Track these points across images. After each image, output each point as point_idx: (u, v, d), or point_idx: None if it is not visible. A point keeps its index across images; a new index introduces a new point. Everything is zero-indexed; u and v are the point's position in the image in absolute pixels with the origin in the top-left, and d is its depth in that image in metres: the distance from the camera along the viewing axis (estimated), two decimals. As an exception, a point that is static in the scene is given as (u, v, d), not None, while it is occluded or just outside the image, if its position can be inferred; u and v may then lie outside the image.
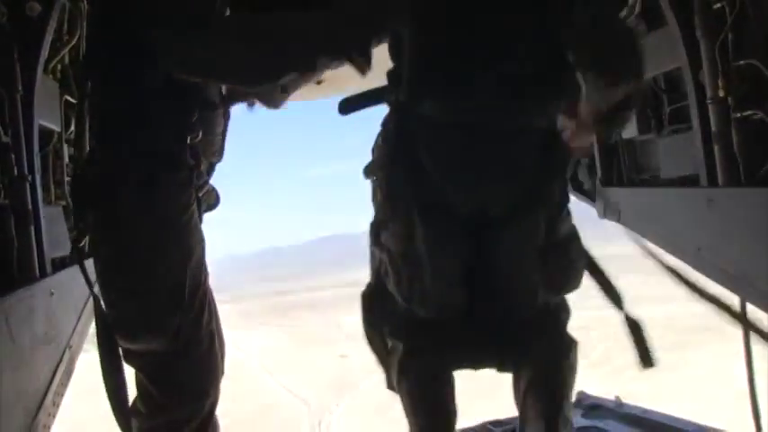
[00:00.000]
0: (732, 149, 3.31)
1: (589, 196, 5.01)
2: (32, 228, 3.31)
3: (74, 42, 4.07)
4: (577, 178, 5.15)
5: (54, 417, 3.12)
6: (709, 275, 3.49)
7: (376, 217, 3.04)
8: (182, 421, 2.75)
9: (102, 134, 2.68)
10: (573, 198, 5.05)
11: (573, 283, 2.99)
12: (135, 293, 2.60)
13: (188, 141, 2.62)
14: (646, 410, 5.02)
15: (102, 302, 2.72)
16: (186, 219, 2.63)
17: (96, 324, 2.71)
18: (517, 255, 2.87)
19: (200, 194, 2.77)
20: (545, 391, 2.95)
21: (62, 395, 3.21)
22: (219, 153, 2.99)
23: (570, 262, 2.96)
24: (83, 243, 2.98)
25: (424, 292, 2.86)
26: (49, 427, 3.07)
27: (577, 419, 4.99)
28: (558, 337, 3.06)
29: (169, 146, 2.58)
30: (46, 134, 3.72)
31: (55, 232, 3.44)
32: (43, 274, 3.28)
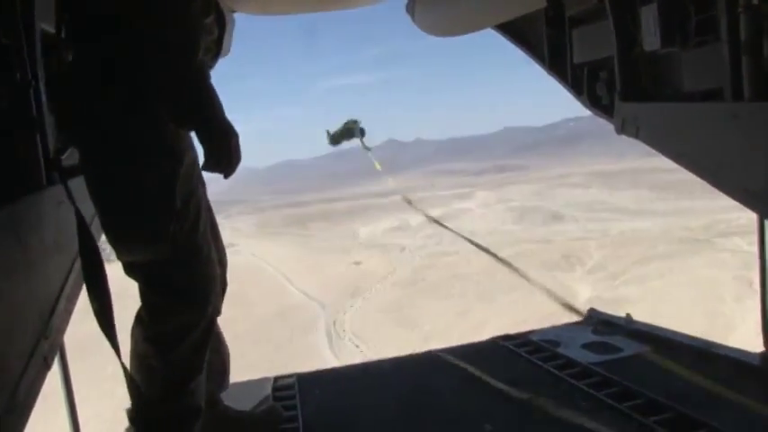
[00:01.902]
0: (761, 61, 3.06)
1: (606, 111, 4.76)
2: (38, 135, 3.11)
3: None
4: (595, 92, 4.89)
5: (67, 321, 3.05)
6: (727, 192, 3.34)
7: None
8: (185, 327, 2.67)
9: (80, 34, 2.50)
10: (589, 113, 5.02)
11: None
12: (126, 205, 2.48)
13: None
14: (654, 327, 4.91)
15: (86, 219, 2.59)
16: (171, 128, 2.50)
17: (79, 239, 2.57)
18: None
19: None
20: None
21: (74, 301, 3.13)
22: (215, 58, 2.83)
23: None
24: (65, 156, 2.82)
25: None
26: (63, 331, 3.00)
27: (587, 335, 4.98)
28: None
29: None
30: (49, 38, 3.43)
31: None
32: (51, 183, 3.08)
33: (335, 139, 5.90)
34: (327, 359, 36.58)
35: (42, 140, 3.11)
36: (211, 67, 2.77)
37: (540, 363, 4.49)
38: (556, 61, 5.34)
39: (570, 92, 5.24)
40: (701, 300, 34.90)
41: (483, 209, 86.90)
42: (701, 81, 3.55)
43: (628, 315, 5.13)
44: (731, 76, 3.17)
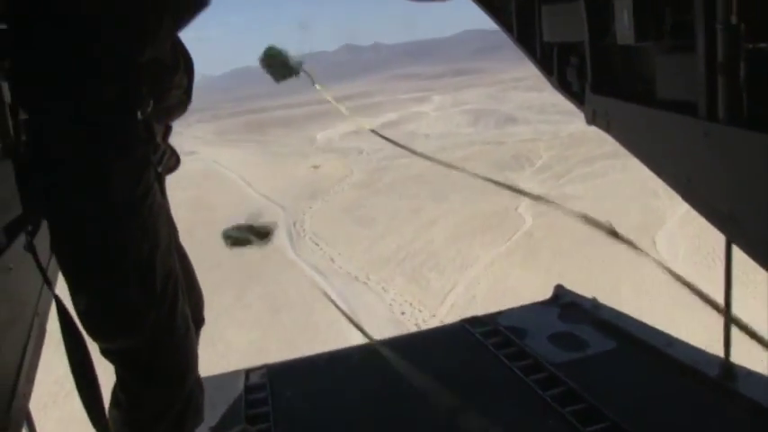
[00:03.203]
0: (738, 83, 2.83)
1: (576, 98, 4.53)
2: None
3: None
4: (565, 77, 4.63)
5: (32, 384, 2.80)
6: (696, 208, 3.19)
7: None
8: (162, 410, 2.53)
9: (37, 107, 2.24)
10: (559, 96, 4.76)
11: None
12: (102, 293, 2.28)
13: (138, 118, 2.22)
14: (620, 315, 4.81)
15: (64, 303, 2.41)
16: (149, 203, 2.28)
17: (60, 323, 2.39)
18: None
19: (160, 169, 2.41)
20: None
21: (36, 366, 2.88)
22: (182, 111, 2.64)
23: None
24: (35, 232, 2.52)
25: None
26: (29, 396, 2.73)
27: (554, 320, 4.85)
28: None
29: (116, 130, 2.17)
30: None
31: (3, 192, 2.72)
32: None
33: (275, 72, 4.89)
34: (289, 258, 38.05)
35: None
36: (179, 116, 2.59)
37: (503, 359, 4.46)
38: (524, 35, 5.06)
39: (539, 69, 5.03)
40: (638, 195, 36.79)
41: (438, 112, 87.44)
42: (676, 91, 3.36)
43: (594, 299, 5.07)
44: (706, 93, 3.00)
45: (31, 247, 2.36)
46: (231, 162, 68.23)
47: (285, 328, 28.22)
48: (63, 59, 2.11)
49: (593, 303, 4.99)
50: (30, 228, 2.40)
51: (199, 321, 2.88)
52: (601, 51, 4.04)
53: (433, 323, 27.09)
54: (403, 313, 28.98)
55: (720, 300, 4.16)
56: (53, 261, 2.51)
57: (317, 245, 39.92)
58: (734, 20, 2.79)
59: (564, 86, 4.67)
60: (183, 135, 74.25)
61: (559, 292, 5.34)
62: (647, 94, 3.68)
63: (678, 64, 3.33)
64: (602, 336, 4.61)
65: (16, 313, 2.72)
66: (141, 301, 2.31)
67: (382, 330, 27.45)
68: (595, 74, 4.13)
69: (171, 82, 2.41)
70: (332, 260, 36.91)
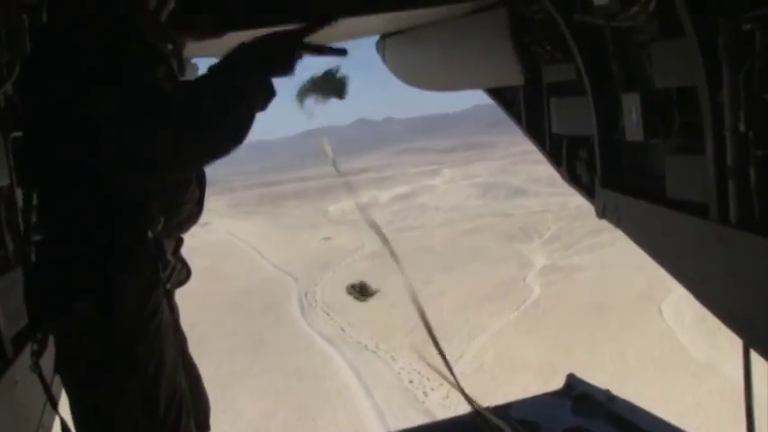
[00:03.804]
0: (749, 188, 2.83)
1: (586, 190, 4.46)
2: None
3: (16, 74, 3.10)
4: (575, 169, 4.56)
5: None
6: (711, 310, 3.13)
7: None
8: None
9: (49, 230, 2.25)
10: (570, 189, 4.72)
11: None
12: (104, 416, 2.27)
13: (149, 237, 2.23)
14: (635, 410, 4.67)
15: (67, 423, 2.39)
16: (156, 322, 2.27)
17: None
18: None
19: (169, 286, 2.39)
20: None
21: None
22: (193, 224, 2.59)
23: None
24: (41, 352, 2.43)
25: None
26: None
27: (566, 414, 4.73)
28: None
29: (125, 249, 2.19)
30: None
31: (13, 303, 2.66)
32: (4, 362, 2.74)
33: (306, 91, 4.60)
34: (301, 328, 38.68)
35: None
36: (187, 230, 2.56)
37: None
38: (533, 126, 5.05)
39: (548, 160, 4.98)
40: (644, 265, 37.25)
41: (449, 185, 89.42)
42: (686, 191, 3.30)
43: (607, 391, 4.93)
44: (717, 196, 2.97)
45: (36, 368, 2.32)
46: (245, 233, 69.79)
47: (296, 395, 28.64)
48: (78, 206, 2.12)
49: (607, 395, 4.79)
50: (35, 347, 2.34)
51: (205, 429, 2.85)
52: (610, 146, 4.02)
53: (441, 391, 27.52)
54: (411, 381, 29.40)
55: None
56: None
57: (327, 315, 40.61)
58: (742, 127, 2.82)
59: (573, 179, 4.65)
60: (198, 207, 75.67)
61: (572, 381, 5.12)
62: (657, 191, 3.63)
63: (688, 164, 3.31)
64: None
65: (21, 427, 2.71)
66: (144, 421, 2.24)
67: (391, 397, 27.88)
68: (605, 168, 4.11)
69: (183, 197, 2.35)
70: (342, 330, 37.52)
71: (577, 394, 4.92)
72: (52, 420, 2.71)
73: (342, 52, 2.28)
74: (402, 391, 28.50)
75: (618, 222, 4.05)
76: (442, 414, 25.83)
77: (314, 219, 77.16)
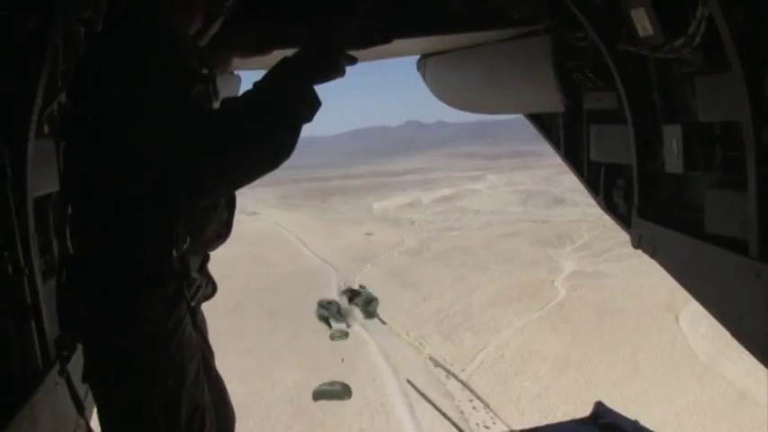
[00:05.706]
0: None
1: (622, 219, 4.47)
2: (33, 324, 2.84)
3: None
4: (612, 197, 4.55)
5: None
6: (748, 348, 3.10)
7: None
8: None
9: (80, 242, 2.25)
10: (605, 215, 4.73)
11: None
12: (127, 425, 2.27)
13: (174, 254, 2.19)
14: None
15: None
16: (178, 337, 2.24)
17: None
18: None
19: (193, 303, 2.36)
20: None
21: None
22: (220, 244, 2.53)
23: None
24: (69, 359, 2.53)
25: None
26: None
27: None
28: None
29: (150, 265, 2.17)
30: (42, 200, 3.18)
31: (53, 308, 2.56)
32: (47, 364, 2.89)
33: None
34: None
35: (39, 331, 2.89)
36: (215, 248, 2.52)
37: None
38: (571, 153, 5.04)
39: (585, 187, 4.98)
40: (669, 276, 38.76)
41: (491, 190, 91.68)
42: (726, 226, 3.26)
43: (636, 422, 4.80)
44: (758, 233, 2.93)
45: (64, 372, 2.43)
46: (290, 224, 72.56)
47: (328, 371, 31.12)
48: (107, 222, 2.16)
49: (636, 426, 4.74)
50: (65, 353, 2.45)
51: None
52: (648, 176, 3.99)
53: (462, 377, 29.94)
54: (436, 366, 31.82)
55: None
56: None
57: (363, 302, 42.98)
58: None
59: (610, 207, 4.62)
60: (247, 196, 78.59)
61: (600, 409, 5.05)
62: (694, 224, 3.57)
63: (728, 199, 3.25)
64: None
65: (59, 425, 2.86)
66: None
67: (415, 379, 30.26)
68: (642, 199, 4.07)
69: (210, 218, 2.34)
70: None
71: (605, 422, 4.84)
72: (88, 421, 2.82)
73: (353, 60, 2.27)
74: (427, 373, 30.97)
75: (653, 253, 4.05)
76: (462, 397, 28.32)
77: (358, 214, 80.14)
